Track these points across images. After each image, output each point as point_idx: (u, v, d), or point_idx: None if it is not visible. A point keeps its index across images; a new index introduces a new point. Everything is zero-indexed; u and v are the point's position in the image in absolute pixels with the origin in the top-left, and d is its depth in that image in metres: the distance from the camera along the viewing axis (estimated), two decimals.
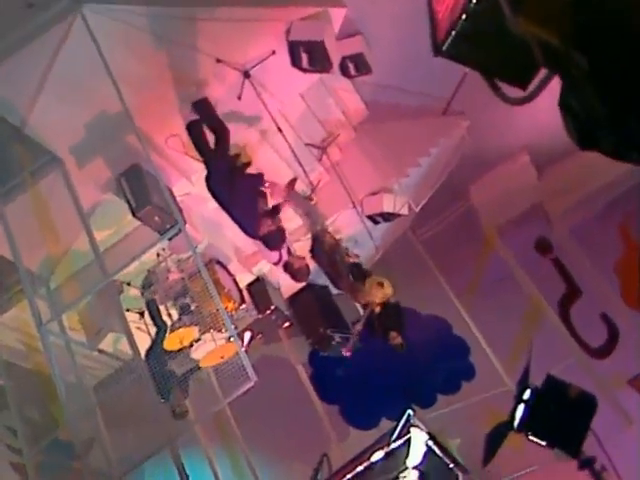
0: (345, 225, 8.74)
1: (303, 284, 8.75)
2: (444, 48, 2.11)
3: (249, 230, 6.56)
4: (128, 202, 6.45)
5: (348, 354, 8.76)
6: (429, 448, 7.04)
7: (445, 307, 10.17)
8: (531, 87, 2.14)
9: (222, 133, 6.43)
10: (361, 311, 8.33)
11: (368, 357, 9.38)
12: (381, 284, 8.17)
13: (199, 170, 6.84)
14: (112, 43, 5.35)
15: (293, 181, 8.04)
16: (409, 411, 7.10)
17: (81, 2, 5.29)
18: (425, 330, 10.29)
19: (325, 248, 8.18)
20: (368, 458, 6.91)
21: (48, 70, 5.40)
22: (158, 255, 7.19)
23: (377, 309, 8.11)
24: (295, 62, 6.89)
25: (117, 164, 6.39)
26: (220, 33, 6.16)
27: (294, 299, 9.05)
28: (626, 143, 1.70)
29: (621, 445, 8.16)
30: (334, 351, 8.95)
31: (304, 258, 7.32)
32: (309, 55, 6.86)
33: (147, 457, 5.41)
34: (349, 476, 6.86)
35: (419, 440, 7.01)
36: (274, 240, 6.68)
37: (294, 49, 6.80)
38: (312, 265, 7.89)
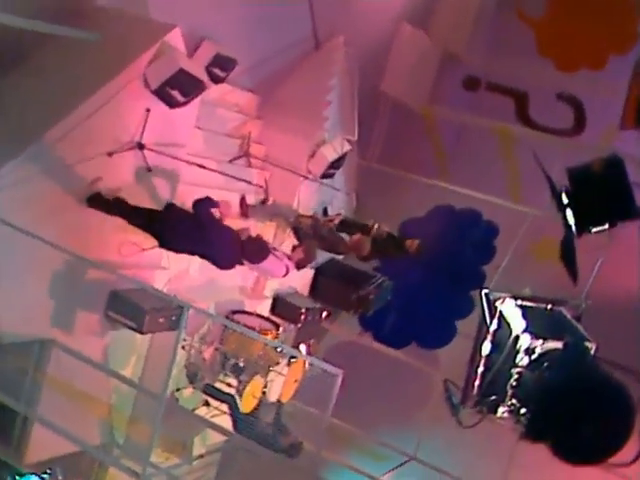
0: (309, 198, 8.91)
1: (311, 273, 8.94)
2: None
3: (229, 262, 6.59)
4: (129, 327, 6.59)
5: (387, 301, 9.07)
6: (522, 307, 7.32)
7: (437, 196, 10.43)
8: None
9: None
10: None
11: (406, 289, 9.70)
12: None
13: (164, 253, 6.92)
14: None
15: (242, 200, 8.15)
16: (484, 290, 7.34)
17: None
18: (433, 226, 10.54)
19: (308, 231, 8.37)
20: (480, 355, 7.17)
21: None
22: (183, 347, 7.32)
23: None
24: (172, 104, 6.90)
25: (97, 303, 6.49)
26: (92, 129, 6.16)
27: (313, 289, 9.28)
28: None
29: None
30: (377, 303, 9.23)
31: (300, 247, 7.44)
32: (179, 89, 6.86)
33: None
34: (479, 382, 7.13)
35: (509, 307, 7.28)
36: (260, 253, 6.75)
37: (162, 94, 6.80)
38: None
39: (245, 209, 8.13)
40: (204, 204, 6.31)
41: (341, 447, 8.84)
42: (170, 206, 6.52)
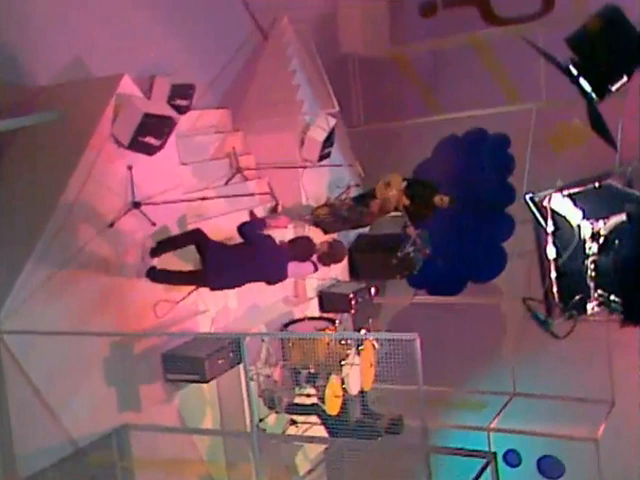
0: (316, 187, 8.84)
1: (344, 257, 8.85)
2: None
3: (282, 274, 6.65)
4: (193, 381, 6.63)
5: (428, 252, 9.00)
6: (571, 196, 7.18)
7: (437, 132, 10.30)
8: None
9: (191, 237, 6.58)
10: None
11: (442, 232, 9.63)
12: (386, 184, 8.34)
13: (198, 297, 6.94)
14: None
15: (252, 215, 8.12)
16: (527, 196, 7.19)
17: None
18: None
19: (327, 220, 8.32)
20: (549, 261, 6.99)
21: None
22: (251, 378, 7.33)
23: (405, 202, 8.29)
24: (150, 151, 6.83)
25: (154, 372, 6.54)
26: (84, 207, 6.17)
27: (353, 271, 9.23)
28: None
29: None
30: (419, 258, 9.16)
31: (324, 241, 7.38)
32: (151, 134, 6.78)
33: None
34: (557, 288, 6.86)
35: (559, 201, 7.13)
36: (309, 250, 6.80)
37: (137, 146, 6.70)
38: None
39: (256, 220, 8.08)
40: (250, 226, 6.55)
41: (439, 411, 8.87)
42: (203, 243, 6.51)
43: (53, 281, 5.82)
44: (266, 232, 6.73)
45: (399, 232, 9.38)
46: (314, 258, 7.04)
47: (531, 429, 8.54)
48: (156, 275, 6.52)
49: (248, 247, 6.40)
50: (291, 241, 6.79)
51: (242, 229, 6.45)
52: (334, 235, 8.37)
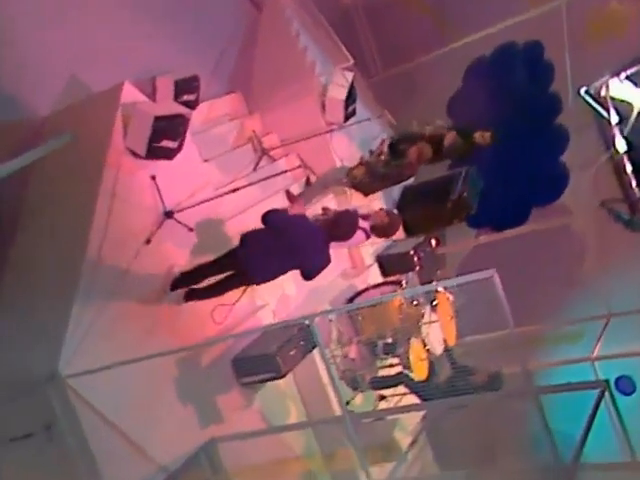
0: (349, 148, 8.54)
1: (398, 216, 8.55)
2: None
3: (324, 257, 6.17)
4: (269, 380, 6.49)
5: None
6: (629, 78, 6.68)
7: (461, 60, 9.81)
8: None
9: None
10: None
11: (492, 163, 9.24)
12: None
13: (254, 293, 6.76)
14: None
15: (288, 194, 7.87)
16: (582, 90, 6.62)
17: None
18: None
19: (365, 180, 7.98)
20: (620, 154, 6.59)
21: None
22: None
23: (445, 143, 7.92)
24: (169, 156, 6.62)
25: (227, 379, 6.40)
26: (116, 229, 6.01)
27: (407, 227, 8.85)
28: None
29: None
30: (475, 196, 8.81)
31: (380, 210, 7.08)
32: (166, 137, 6.57)
33: None
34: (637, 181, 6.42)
35: (617, 87, 6.68)
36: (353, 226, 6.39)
37: (155, 153, 6.53)
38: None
39: (296, 200, 7.83)
40: (272, 213, 6.02)
41: (535, 351, 8.53)
42: (244, 237, 6.12)
43: (104, 314, 5.68)
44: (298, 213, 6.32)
45: (446, 174, 9.09)
46: (366, 226, 6.72)
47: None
48: (196, 294, 6.22)
49: (279, 236, 5.88)
50: (333, 221, 6.22)
51: (266, 219, 5.98)
52: (383, 206, 8.05)
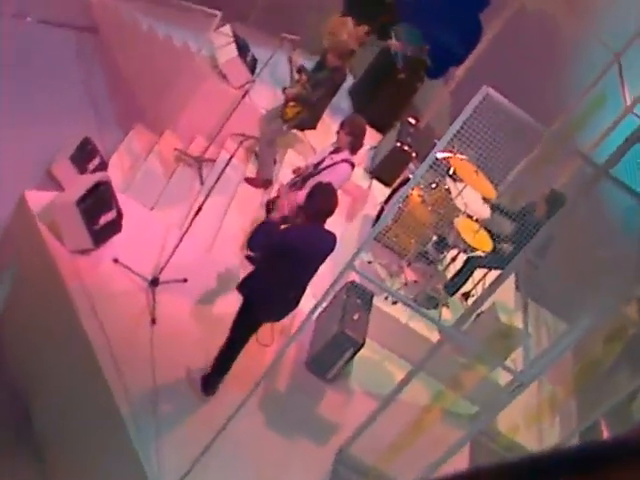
0: (270, 98, 8.00)
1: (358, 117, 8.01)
2: None
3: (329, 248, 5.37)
4: (352, 357, 6.17)
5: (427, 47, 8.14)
6: None
7: None
8: None
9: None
10: None
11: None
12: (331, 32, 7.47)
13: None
14: None
15: (247, 180, 7.46)
16: None
17: None
18: None
19: (304, 114, 7.44)
20: None
21: None
22: (395, 302, 6.80)
23: (362, 31, 7.50)
24: (117, 228, 6.29)
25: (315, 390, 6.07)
26: (119, 330, 5.70)
27: (376, 124, 8.34)
28: None
29: None
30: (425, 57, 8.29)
31: (340, 129, 6.48)
32: (101, 212, 6.21)
33: None
34: None
35: None
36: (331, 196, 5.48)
37: (100, 236, 6.20)
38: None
39: (256, 181, 7.44)
40: (257, 236, 5.27)
41: (574, 139, 8.03)
42: (245, 289, 5.38)
43: (162, 425, 5.34)
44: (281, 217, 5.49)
45: (378, 53, 8.61)
46: (344, 156, 6.17)
47: None
48: (214, 375, 5.64)
49: (276, 260, 5.16)
50: (303, 206, 5.28)
51: (252, 244, 5.30)
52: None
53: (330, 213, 5.19)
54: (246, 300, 5.29)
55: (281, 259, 5.14)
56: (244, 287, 5.32)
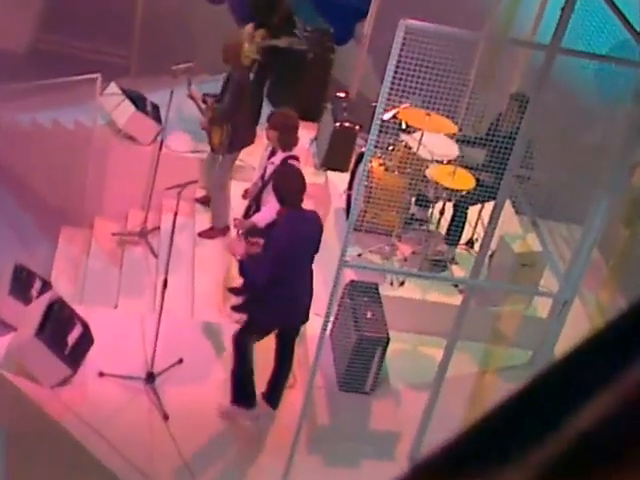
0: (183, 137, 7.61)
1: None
2: None
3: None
4: (378, 368, 5.73)
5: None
6: None
7: None
8: None
9: None
10: None
11: None
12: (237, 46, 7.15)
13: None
14: None
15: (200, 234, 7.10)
16: None
17: None
18: None
19: (226, 137, 7.05)
20: None
21: None
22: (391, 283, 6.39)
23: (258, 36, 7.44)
24: (87, 343, 5.92)
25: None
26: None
27: (302, 114, 7.94)
28: None
29: None
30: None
31: (269, 128, 6.12)
32: (64, 333, 5.84)
33: None
34: None
35: None
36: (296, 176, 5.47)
37: (76, 357, 5.81)
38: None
39: (213, 232, 7.10)
40: (247, 266, 5.15)
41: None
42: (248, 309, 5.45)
43: None
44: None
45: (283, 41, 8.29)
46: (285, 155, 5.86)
47: None
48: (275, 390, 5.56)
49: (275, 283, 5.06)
50: (276, 198, 5.23)
51: (245, 274, 5.18)
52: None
53: (303, 189, 5.16)
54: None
55: (285, 260, 5.06)
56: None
